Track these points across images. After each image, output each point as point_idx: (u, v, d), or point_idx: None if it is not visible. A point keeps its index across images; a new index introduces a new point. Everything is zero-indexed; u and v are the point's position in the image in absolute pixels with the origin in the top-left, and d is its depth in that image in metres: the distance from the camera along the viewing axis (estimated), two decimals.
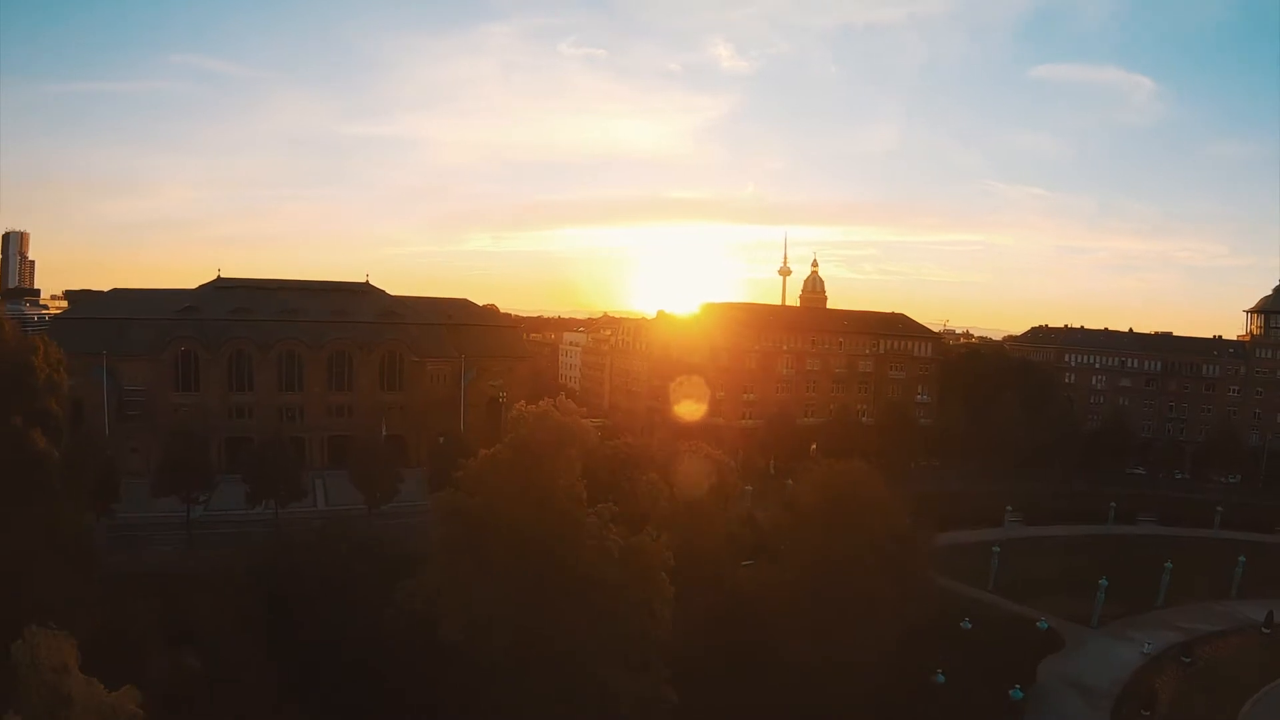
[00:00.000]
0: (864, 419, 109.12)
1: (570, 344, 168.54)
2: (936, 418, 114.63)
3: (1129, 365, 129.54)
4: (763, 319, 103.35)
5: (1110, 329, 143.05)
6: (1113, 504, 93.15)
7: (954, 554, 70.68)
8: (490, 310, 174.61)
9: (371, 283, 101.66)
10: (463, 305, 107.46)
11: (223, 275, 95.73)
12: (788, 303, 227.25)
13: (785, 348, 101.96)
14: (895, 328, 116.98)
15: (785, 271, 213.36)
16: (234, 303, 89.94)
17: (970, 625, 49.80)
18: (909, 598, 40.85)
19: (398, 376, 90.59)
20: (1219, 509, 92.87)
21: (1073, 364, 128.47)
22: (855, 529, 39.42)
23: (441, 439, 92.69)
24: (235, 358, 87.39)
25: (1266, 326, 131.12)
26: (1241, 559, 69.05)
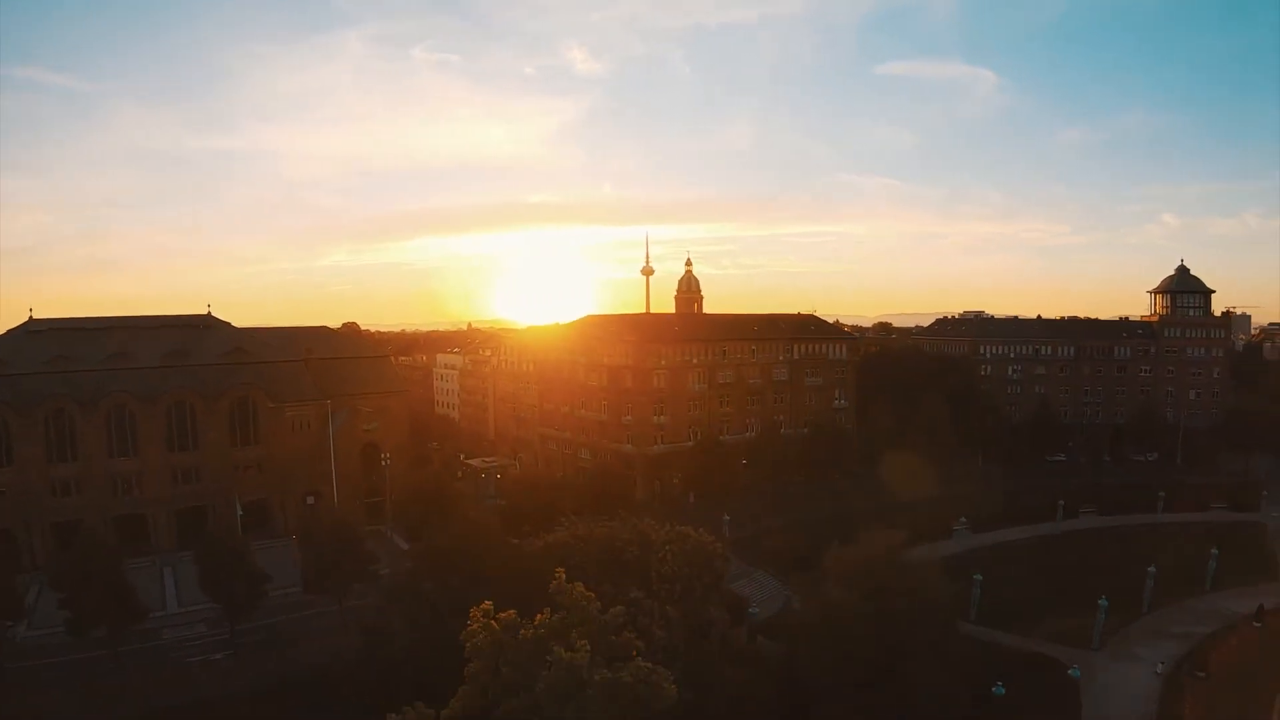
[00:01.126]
0: (783, 431, 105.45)
1: (445, 367, 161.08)
2: (858, 422, 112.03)
3: (1043, 353, 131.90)
4: (666, 330, 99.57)
5: (1020, 317, 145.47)
6: (1061, 501, 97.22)
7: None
8: (353, 333, 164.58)
9: (215, 313, 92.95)
10: (324, 335, 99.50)
11: (35, 316, 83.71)
12: (653, 303, 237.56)
13: (695, 361, 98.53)
14: (808, 330, 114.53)
15: (648, 271, 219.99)
16: (49, 350, 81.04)
17: (1004, 690, 44.97)
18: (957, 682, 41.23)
19: (252, 427, 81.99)
20: (1161, 494, 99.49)
21: (988, 355, 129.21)
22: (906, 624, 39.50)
23: (311, 499, 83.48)
24: (54, 419, 76.93)
25: (1172, 306, 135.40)
26: (1215, 551, 72.40)
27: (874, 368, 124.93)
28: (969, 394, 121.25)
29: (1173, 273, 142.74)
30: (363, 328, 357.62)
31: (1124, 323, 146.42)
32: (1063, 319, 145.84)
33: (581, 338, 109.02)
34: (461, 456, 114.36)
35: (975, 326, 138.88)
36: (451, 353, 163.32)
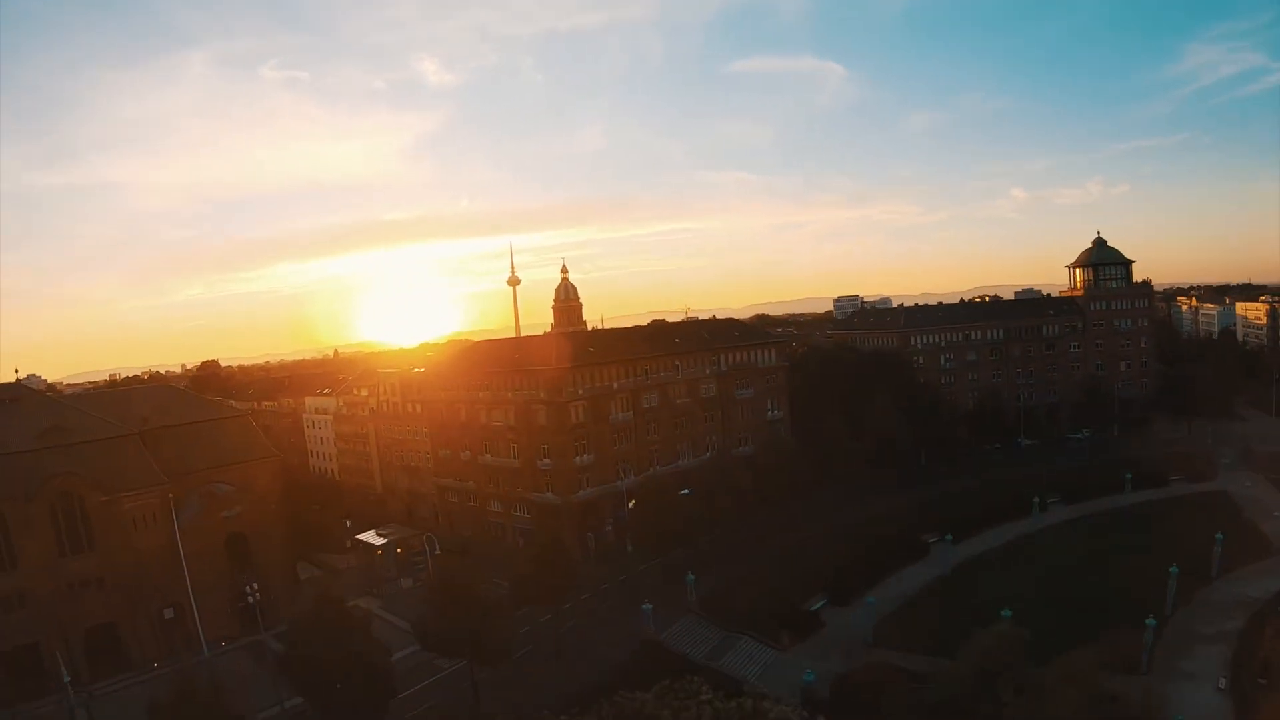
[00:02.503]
0: (718, 454, 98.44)
1: (317, 412, 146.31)
2: (796, 433, 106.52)
3: (973, 337, 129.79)
4: (580, 353, 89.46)
5: (944, 302, 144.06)
6: (1036, 498, 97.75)
7: (912, 615, 70.32)
8: (212, 374, 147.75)
9: (53, 370, 76.01)
10: (165, 396, 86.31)
11: None
12: (522, 312, 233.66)
13: (616, 385, 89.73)
14: (733, 336, 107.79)
15: (514, 281, 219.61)
16: None
17: None
18: None
19: (82, 529, 67.77)
20: (1128, 475, 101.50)
21: (919, 345, 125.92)
22: None
23: (169, 612, 70.55)
24: None
25: (1095, 279, 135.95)
26: (1220, 536, 74.02)
27: (805, 371, 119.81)
28: (911, 389, 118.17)
29: (1090, 245, 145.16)
30: (224, 365, 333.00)
31: (1049, 299, 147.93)
32: (987, 300, 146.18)
33: (478, 369, 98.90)
34: (348, 523, 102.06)
35: (904, 316, 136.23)
36: (322, 394, 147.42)
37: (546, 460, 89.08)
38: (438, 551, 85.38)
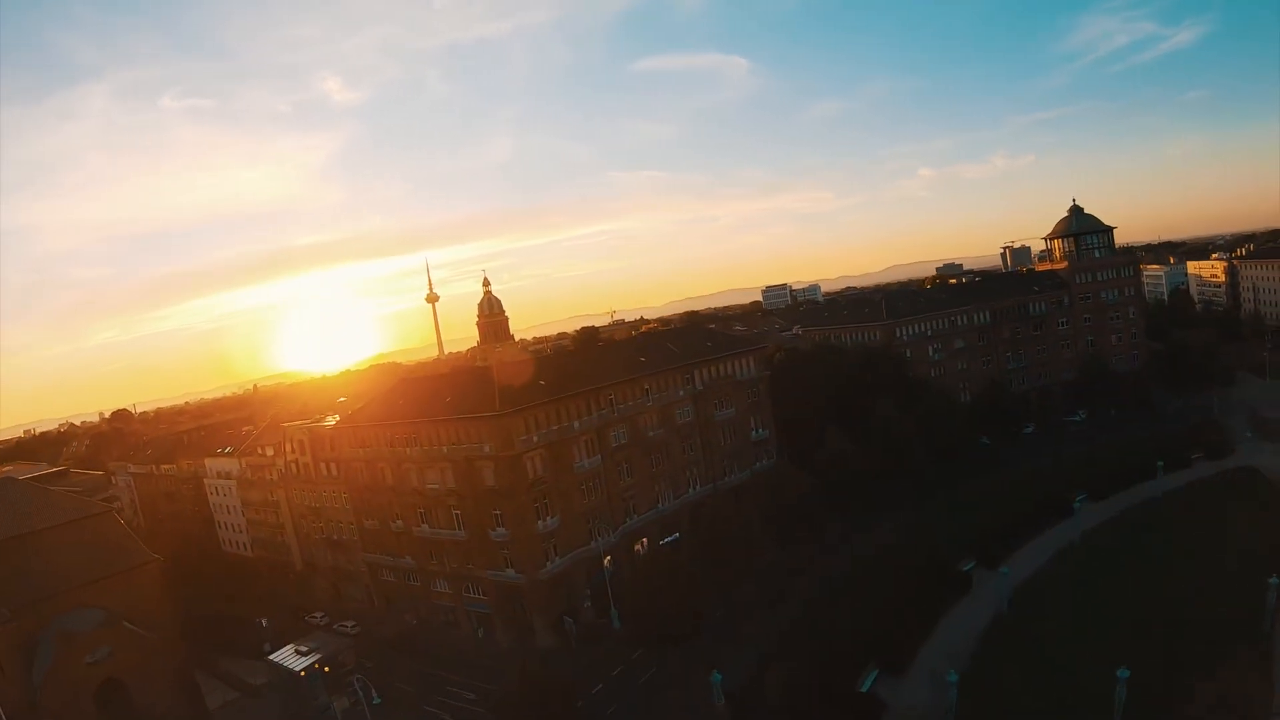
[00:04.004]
0: (690, 491, 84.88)
1: (219, 476, 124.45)
2: (788, 451, 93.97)
3: (960, 323, 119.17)
4: (530, 387, 73.69)
5: (925, 287, 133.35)
6: (1080, 497, 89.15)
7: (992, 681, 57.67)
8: (123, 422, 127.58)
9: None
10: (10, 492, 65.73)
11: None
12: (443, 327, 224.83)
13: (579, 425, 74.75)
14: (704, 348, 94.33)
15: (433, 298, 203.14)
16: None
17: None
18: None
19: None
20: (1160, 462, 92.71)
21: (905, 336, 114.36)
22: None
23: None
24: None
25: (1077, 249, 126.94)
26: None
27: (787, 378, 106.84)
28: (910, 388, 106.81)
29: (1066, 214, 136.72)
30: (142, 410, 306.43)
31: (1033, 275, 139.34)
32: (973, 282, 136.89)
33: (402, 419, 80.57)
34: (263, 622, 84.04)
35: (885, 304, 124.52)
36: (222, 454, 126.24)
37: (501, 529, 71.93)
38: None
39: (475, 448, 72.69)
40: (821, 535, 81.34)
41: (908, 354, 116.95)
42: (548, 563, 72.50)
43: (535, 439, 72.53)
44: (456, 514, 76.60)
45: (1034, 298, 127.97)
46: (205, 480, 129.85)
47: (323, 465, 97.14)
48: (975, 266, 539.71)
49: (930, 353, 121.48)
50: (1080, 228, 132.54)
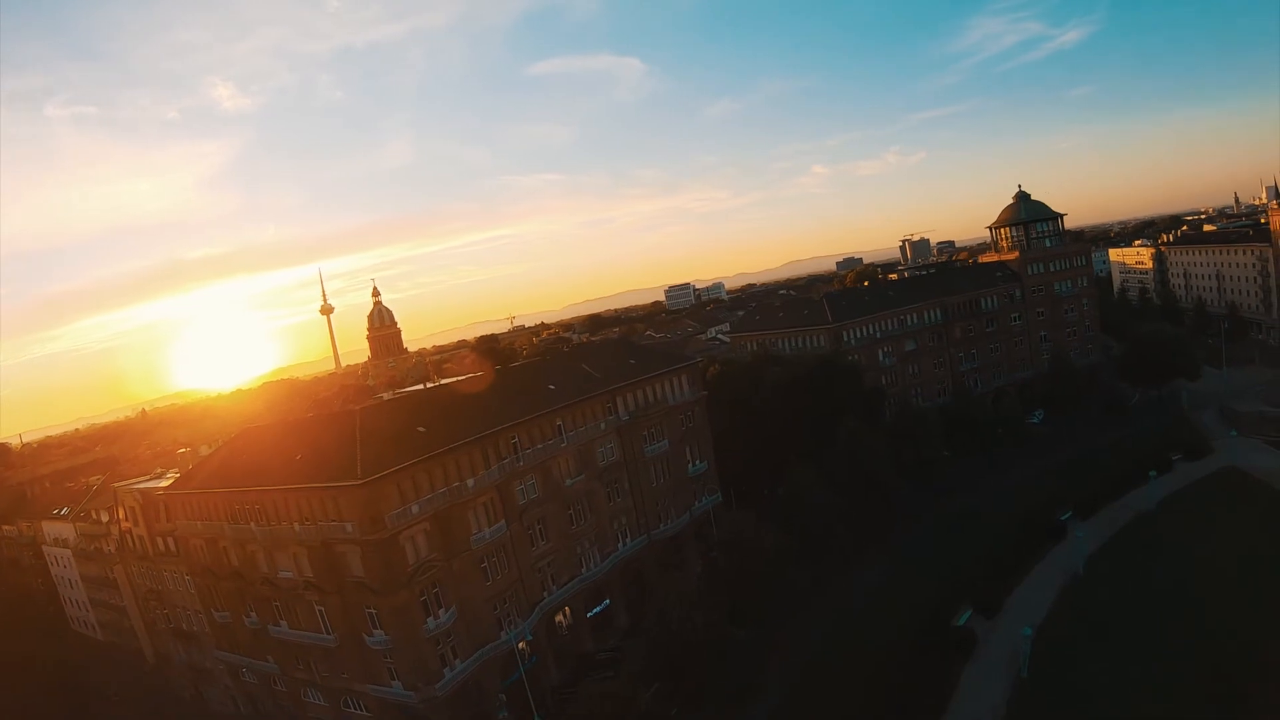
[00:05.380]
0: (620, 546, 70.25)
1: (57, 544, 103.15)
2: (732, 486, 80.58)
3: (910, 322, 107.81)
4: (401, 439, 57.24)
5: (865, 284, 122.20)
6: (1068, 513, 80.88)
7: None
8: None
9: None
10: None
11: None
12: (339, 340, 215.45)
13: (474, 483, 58.47)
14: (627, 367, 78.98)
15: (327, 310, 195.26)
16: None
17: None
18: None
19: None
20: (1152, 473, 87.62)
21: (853, 340, 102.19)
22: None
23: None
24: None
25: (1026, 238, 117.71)
26: None
27: (725, 399, 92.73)
28: (870, 400, 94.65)
29: (1012, 200, 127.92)
30: (28, 438, 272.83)
31: (980, 267, 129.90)
32: (914, 276, 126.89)
33: (241, 484, 61.34)
34: None
35: (828, 306, 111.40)
36: (57, 517, 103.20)
37: (379, 633, 54.82)
38: None
39: (334, 528, 54.71)
40: (788, 595, 67.17)
41: (856, 359, 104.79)
42: (445, 670, 54.67)
43: (415, 510, 55.14)
44: (319, 610, 58.54)
45: (986, 292, 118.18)
46: (44, 547, 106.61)
47: (158, 538, 77.37)
48: (875, 260, 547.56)
49: (880, 357, 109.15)
50: (1029, 215, 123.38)
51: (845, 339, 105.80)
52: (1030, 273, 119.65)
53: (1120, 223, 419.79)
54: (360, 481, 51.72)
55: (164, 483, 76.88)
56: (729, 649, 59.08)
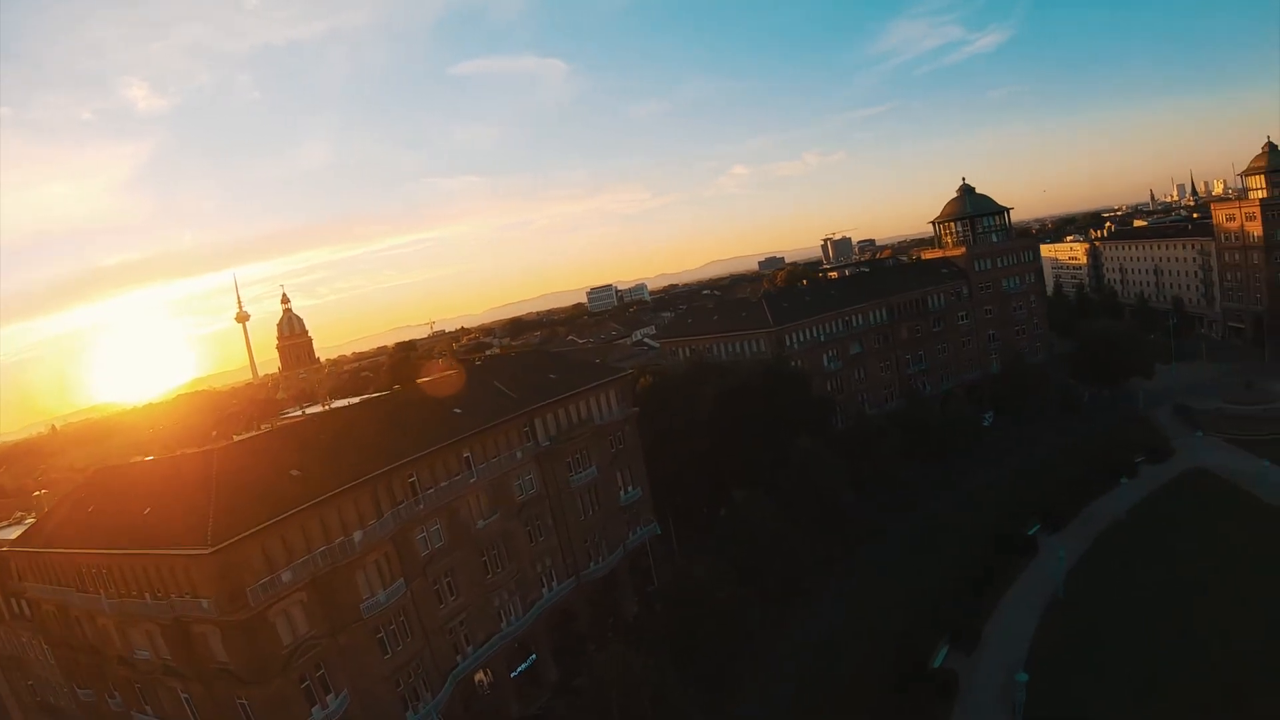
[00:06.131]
0: (545, 592, 62.51)
1: None
2: (670, 513, 73.42)
3: (855, 323, 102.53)
4: (261, 488, 47.97)
5: (804, 283, 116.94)
6: (1036, 525, 78.17)
7: None
8: None
9: None
10: None
11: None
12: (256, 349, 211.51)
13: (362, 535, 48.67)
14: (546, 383, 70.87)
15: (243, 317, 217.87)
16: None
17: None
18: None
19: None
20: (1123, 479, 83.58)
21: (794, 346, 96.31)
22: None
23: None
24: None
25: (973, 233, 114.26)
26: None
27: (658, 414, 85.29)
28: (817, 409, 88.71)
29: (956, 194, 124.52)
30: None
31: (924, 263, 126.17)
32: (855, 274, 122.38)
33: (86, 544, 50.34)
34: None
35: (768, 307, 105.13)
36: None
37: None
38: None
39: (189, 604, 44.95)
40: (744, 638, 59.87)
41: (799, 365, 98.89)
42: None
43: (287, 578, 45.68)
44: (186, 699, 48.63)
45: (933, 290, 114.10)
46: None
47: (11, 599, 65.68)
48: (797, 259, 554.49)
49: (825, 362, 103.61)
50: (974, 209, 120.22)
51: (788, 343, 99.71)
52: (977, 269, 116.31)
53: (1039, 220, 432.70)
54: (210, 550, 41.99)
55: (16, 531, 65.25)
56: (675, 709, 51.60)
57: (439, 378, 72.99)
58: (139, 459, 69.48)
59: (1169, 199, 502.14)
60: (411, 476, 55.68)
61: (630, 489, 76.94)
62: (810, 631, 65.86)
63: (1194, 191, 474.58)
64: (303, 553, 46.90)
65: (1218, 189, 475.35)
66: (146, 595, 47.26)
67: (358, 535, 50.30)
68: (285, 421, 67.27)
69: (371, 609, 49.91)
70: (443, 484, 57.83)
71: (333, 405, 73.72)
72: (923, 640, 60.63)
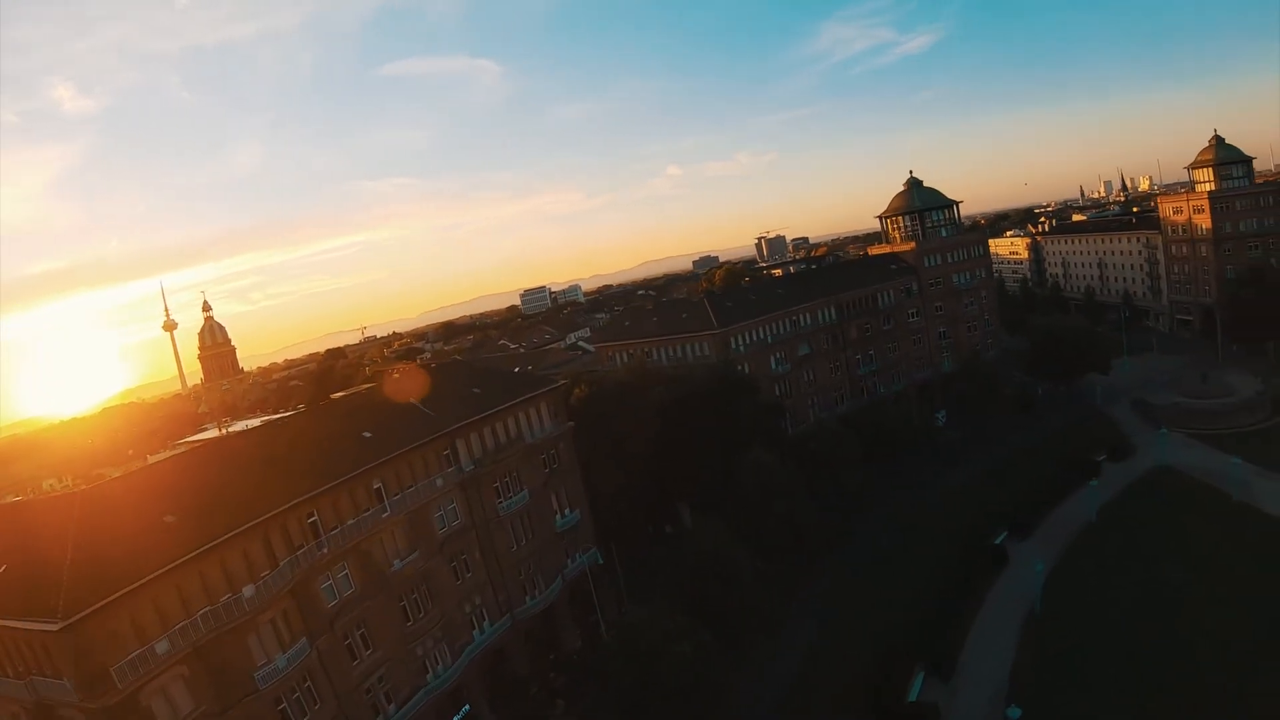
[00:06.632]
0: (476, 636, 56.93)
1: None
2: (612, 539, 68.71)
3: (802, 323, 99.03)
4: (129, 538, 41.28)
5: (746, 281, 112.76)
6: (1004, 533, 75.82)
7: None
8: None
9: None
10: None
11: None
12: (185, 359, 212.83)
13: (253, 591, 42.42)
14: (469, 397, 65.31)
15: (170, 326, 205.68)
16: None
17: None
18: None
19: None
20: (1094, 482, 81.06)
21: (741, 349, 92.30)
22: None
23: None
24: None
25: (922, 226, 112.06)
26: None
27: (595, 428, 80.00)
28: (769, 418, 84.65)
29: (903, 188, 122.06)
30: None
31: (871, 259, 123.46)
32: (807, 271, 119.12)
33: None
34: None
35: (710, 306, 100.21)
36: None
37: None
38: None
39: (52, 685, 38.22)
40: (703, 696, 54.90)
41: (745, 369, 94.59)
42: None
43: (162, 649, 39.05)
44: None
45: (882, 287, 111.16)
46: None
47: None
48: (731, 258, 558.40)
49: (773, 364, 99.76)
50: (923, 203, 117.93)
51: (734, 345, 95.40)
52: (927, 265, 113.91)
53: (970, 218, 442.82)
54: (60, 625, 35.24)
55: None
56: None
57: (348, 395, 66.51)
58: (50, 483, 62.28)
59: (1097, 195, 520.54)
60: (311, 516, 49.21)
61: (567, 512, 71.57)
62: (778, 669, 61.46)
63: (1124, 187, 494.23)
64: (180, 617, 40.27)
65: (1144, 185, 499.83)
66: (10, 674, 40.16)
67: (248, 591, 43.75)
68: (184, 447, 59.97)
69: (269, 677, 43.41)
70: (350, 522, 51.44)
71: (230, 429, 66.50)
72: (897, 669, 57.27)
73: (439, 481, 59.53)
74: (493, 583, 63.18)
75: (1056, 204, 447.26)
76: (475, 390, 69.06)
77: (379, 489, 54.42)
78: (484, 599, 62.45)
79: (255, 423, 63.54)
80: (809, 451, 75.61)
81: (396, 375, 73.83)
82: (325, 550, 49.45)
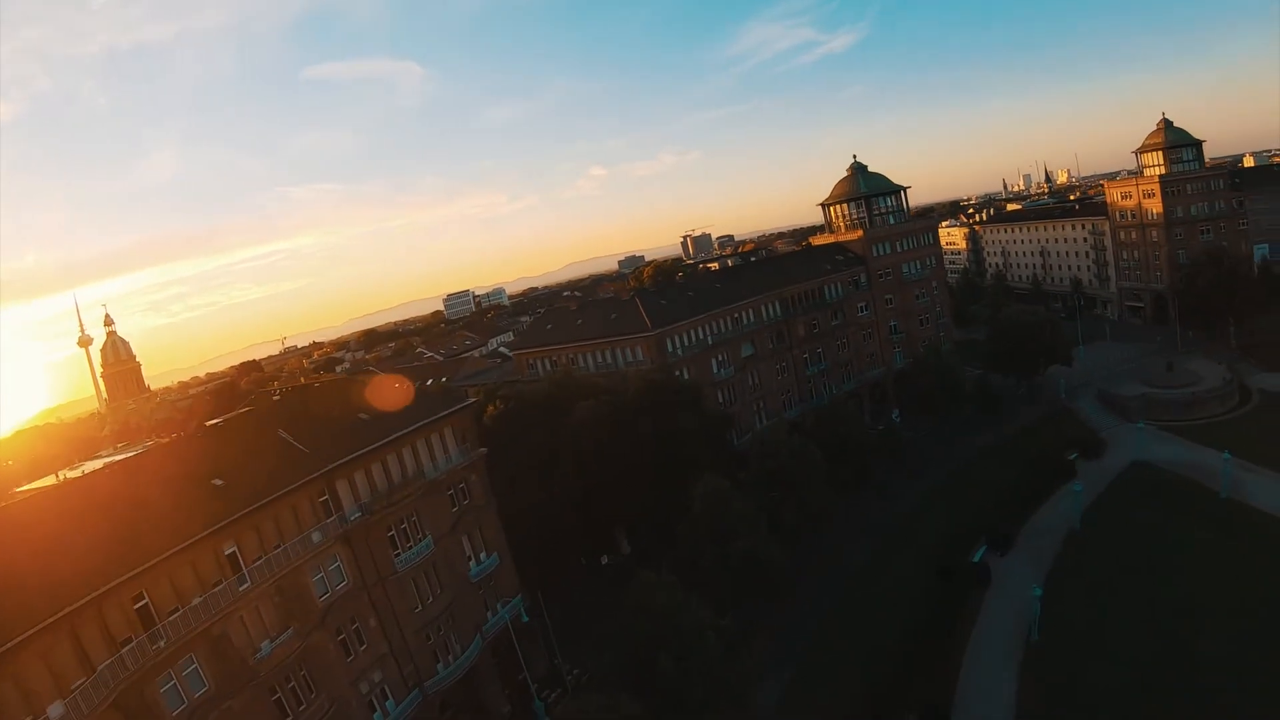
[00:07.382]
0: (395, 712, 47.10)
1: None
2: (539, 587, 60.40)
3: (745, 321, 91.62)
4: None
5: (680, 277, 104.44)
6: (983, 547, 70.92)
7: None
8: None
9: None
10: None
11: None
12: (97, 380, 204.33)
13: (76, 706, 30.60)
14: (357, 425, 55.27)
15: (85, 341, 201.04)
16: None
17: None
18: None
19: None
20: (1078, 486, 74.53)
21: (679, 353, 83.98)
22: None
23: None
24: None
25: (869, 213, 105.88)
26: None
27: (513, 451, 70.27)
28: (717, 431, 76.51)
29: (847, 173, 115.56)
30: None
31: (815, 250, 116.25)
32: (746, 264, 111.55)
33: None
34: None
35: (643, 306, 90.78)
36: None
37: None
38: None
39: None
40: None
41: (684, 374, 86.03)
42: None
43: None
44: None
45: (829, 279, 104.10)
46: None
47: None
48: (657, 257, 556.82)
49: (715, 368, 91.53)
50: (869, 189, 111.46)
51: (670, 349, 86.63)
52: (876, 254, 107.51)
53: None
54: None
55: None
56: None
57: (194, 430, 55.20)
58: None
59: (1016, 188, 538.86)
60: (141, 599, 38.40)
61: (483, 557, 61.78)
62: None
63: (1048, 179, 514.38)
64: None
65: (1061, 178, 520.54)
66: None
67: (55, 711, 32.90)
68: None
69: None
70: (195, 601, 40.67)
71: (70, 471, 54.28)
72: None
73: (315, 536, 48.81)
74: (395, 653, 52.86)
75: (979, 197, 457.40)
76: (363, 416, 58.42)
77: (233, 554, 43.62)
78: (385, 674, 52.09)
79: (77, 472, 51.34)
80: (766, 472, 67.18)
81: (277, 395, 62.80)
82: (162, 643, 38.55)
